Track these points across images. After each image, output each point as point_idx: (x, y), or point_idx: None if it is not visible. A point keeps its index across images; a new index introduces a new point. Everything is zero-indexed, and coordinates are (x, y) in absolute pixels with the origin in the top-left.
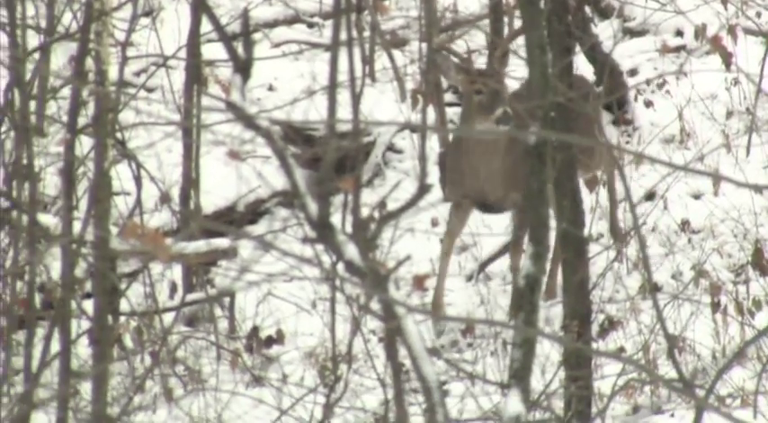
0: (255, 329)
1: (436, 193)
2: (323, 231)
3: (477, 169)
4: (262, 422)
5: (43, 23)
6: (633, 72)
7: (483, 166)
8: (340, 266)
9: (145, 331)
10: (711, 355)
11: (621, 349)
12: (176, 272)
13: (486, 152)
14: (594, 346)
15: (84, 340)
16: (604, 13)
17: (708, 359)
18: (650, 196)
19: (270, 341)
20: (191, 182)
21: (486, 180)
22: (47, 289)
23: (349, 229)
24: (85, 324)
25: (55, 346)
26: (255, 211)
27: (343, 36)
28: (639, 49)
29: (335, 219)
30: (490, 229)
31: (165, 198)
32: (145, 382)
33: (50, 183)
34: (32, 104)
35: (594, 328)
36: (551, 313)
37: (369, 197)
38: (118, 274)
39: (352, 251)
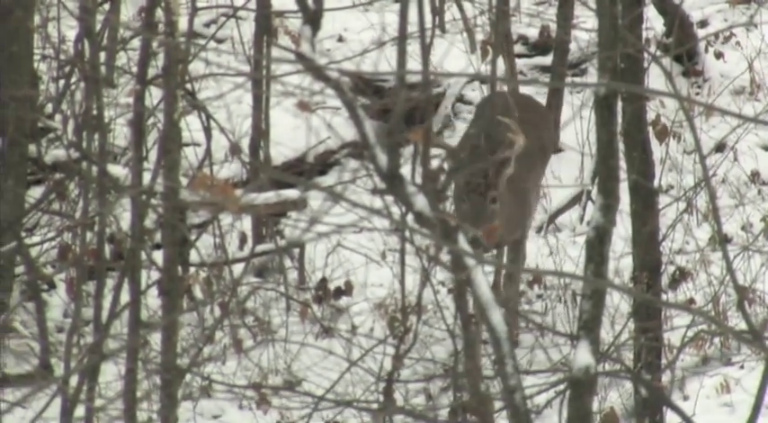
0: (325, 281)
1: None
2: (392, 182)
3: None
4: (331, 373)
5: None
6: (703, 23)
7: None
8: (409, 218)
9: (214, 282)
10: None
11: (691, 301)
12: (246, 223)
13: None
14: (664, 297)
15: (154, 291)
16: None
17: None
18: (720, 148)
19: (339, 292)
20: (260, 133)
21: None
22: (116, 240)
23: (419, 180)
24: (155, 275)
25: (124, 297)
26: (325, 163)
27: None
28: (709, 0)
29: (405, 170)
30: (560, 181)
31: (234, 149)
32: (214, 332)
33: (120, 134)
34: (102, 55)
35: (664, 280)
36: (621, 265)
37: (439, 149)
38: (187, 225)
39: (421, 202)
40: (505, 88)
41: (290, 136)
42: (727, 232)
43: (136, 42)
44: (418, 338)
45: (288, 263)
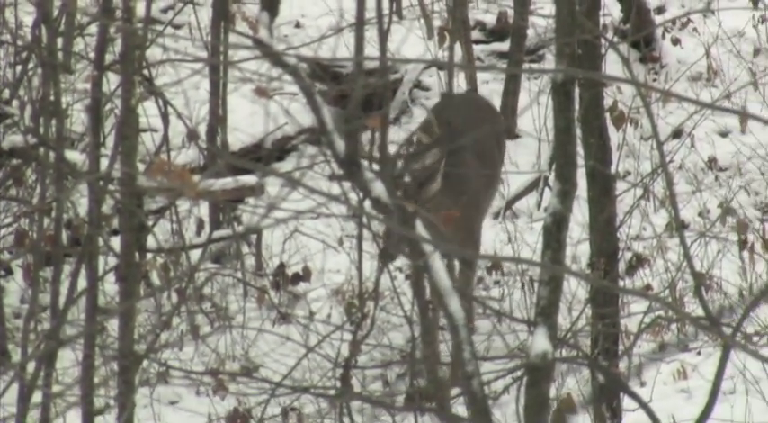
0: (282, 267)
1: None
2: (350, 169)
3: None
4: (288, 359)
5: None
6: (660, 9)
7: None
8: (367, 204)
9: (171, 268)
10: (738, 293)
11: (648, 287)
12: (203, 209)
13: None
14: (621, 283)
15: (111, 277)
16: None
17: (735, 297)
18: (677, 134)
19: (296, 278)
20: (218, 119)
21: None
22: (74, 226)
23: (376, 166)
24: (112, 261)
25: (82, 283)
26: (283, 149)
27: None
28: None
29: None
30: (517, 167)
31: (192, 135)
32: (171, 318)
33: (77, 120)
34: (59, 41)
35: (621, 266)
36: (578, 251)
37: (396, 135)
38: (145, 211)
39: (379, 188)
40: (462, 76)
41: (247, 122)
42: (684, 218)
43: (93, 28)
44: (375, 324)
45: (245, 249)
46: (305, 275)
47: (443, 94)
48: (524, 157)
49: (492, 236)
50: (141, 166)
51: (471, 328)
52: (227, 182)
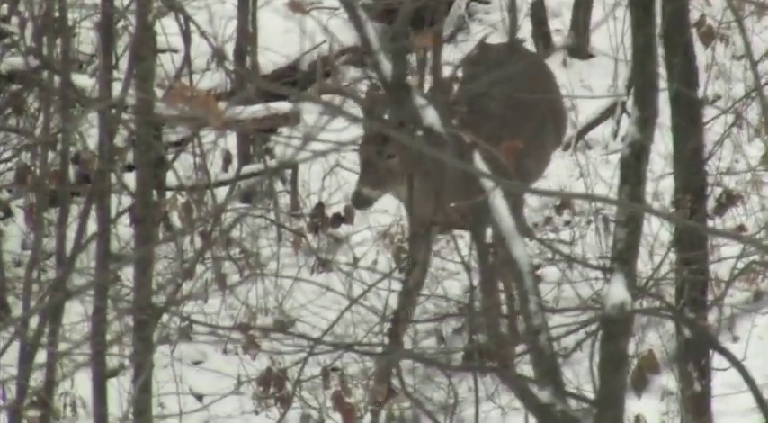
0: (321, 206)
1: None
2: (398, 94)
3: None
4: (329, 313)
5: None
6: None
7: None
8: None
9: (195, 208)
10: None
11: (741, 228)
12: (231, 140)
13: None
14: (710, 224)
15: (126, 219)
16: None
17: None
18: None
19: (338, 220)
20: (247, 37)
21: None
22: (82, 160)
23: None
24: (127, 200)
25: (92, 226)
26: (321, 71)
27: None
28: None
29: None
30: (590, 91)
31: (217, 56)
32: (195, 266)
33: (86, 39)
34: None
35: (710, 204)
36: (661, 187)
37: (451, 55)
38: (163, 144)
39: (431, 116)
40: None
41: (280, 41)
42: None
43: None
44: (428, 272)
45: (279, 186)
46: (347, 216)
47: (481, 46)
48: (598, 79)
49: (562, 170)
50: (159, 92)
51: (538, 276)
52: (258, 109)
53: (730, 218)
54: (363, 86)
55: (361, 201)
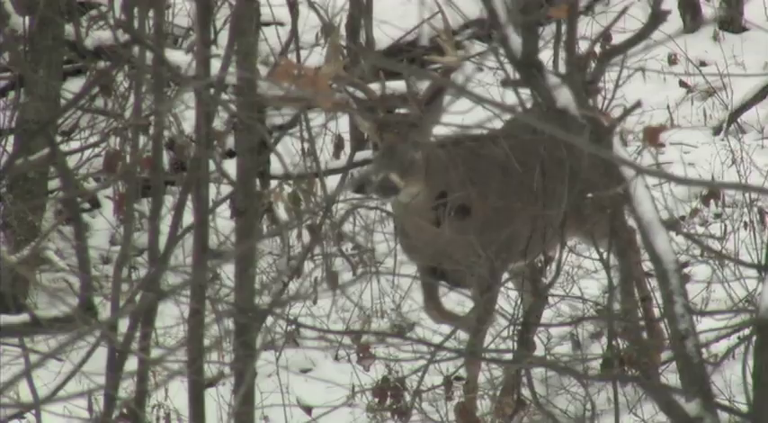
0: (444, 195)
1: (674, 22)
2: (528, 71)
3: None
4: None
5: None
6: None
7: (416, 235)
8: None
9: (302, 199)
10: None
11: None
12: (342, 124)
13: (416, 223)
14: None
15: (225, 210)
16: None
17: None
18: None
19: (462, 211)
20: (360, 9)
21: (426, 249)
22: (177, 145)
23: (563, 68)
24: (226, 190)
25: (188, 219)
26: (442, 47)
27: None
28: None
29: (544, 55)
30: (743, 69)
31: (327, 29)
32: (303, 264)
33: (181, 11)
34: None
35: None
36: None
37: (586, 28)
38: (267, 127)
39: (565, 96)
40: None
41: (397, 12)
42: None
43: None
44: (563, 270)
45: None
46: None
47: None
48: (752, 55)
49: (711, 156)
50: (262, 70)
51: (685, 275)
52: (373, 88)
53: None
54: (490, 63)
55: (388, 188)
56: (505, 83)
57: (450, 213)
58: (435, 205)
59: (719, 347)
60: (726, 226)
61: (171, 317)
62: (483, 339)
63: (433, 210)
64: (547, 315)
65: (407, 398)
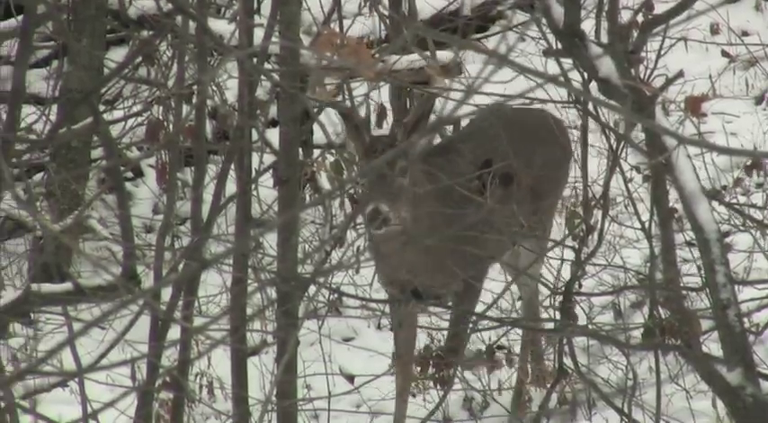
0: (488, 163)
1: None
2: (571, 41)
3: (389, 258)
4: (494, 284)
5: None
6: None
7: (394, 255)
8: (593, 86)
9: (345, 168)
10: None
11: None
12: (384, 93)
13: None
14: None
15: (268, 179)
16: None
17: None
18: None
19: (505, 179)
20: None
21: (401, 269)
22: (220, 115)
23: (605, 37)
24: (269, 159)
25: (230, 188)
26: (485, 16)
27: None
28: None
29: (586, 25)
30: None
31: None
32: (345, 233)
33: None
34: None
35: None
36: None
37: None
38: (310, 96)
39: (607, 66)
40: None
41: None
42: None
43: None
44: (604, 239)
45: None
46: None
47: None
48: None
49: (753, 125)
50: (305, 39)
51: (727, 244)
52: (415, 59)
53: None
54: (533, 33)
55: (378, 219)
56: (548, 53)
57: (494, 182)
58: (479, 174)
59: (761, 317)
60: None
61: (214, 286)
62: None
63: (476, 179)
64: (589, 284)
65: (450, 367)
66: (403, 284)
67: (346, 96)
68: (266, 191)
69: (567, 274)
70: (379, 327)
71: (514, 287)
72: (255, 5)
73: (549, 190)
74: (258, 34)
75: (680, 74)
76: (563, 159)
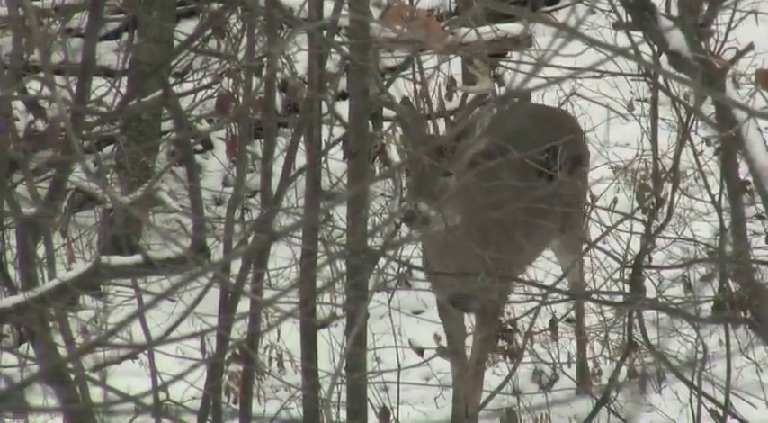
0: (554, 151)
1: None
2: (641, 14)
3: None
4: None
5: None
6: None
7: (439, 260)
8: (663, 59)
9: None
10: None
11: None
12: (454, 66)
13: (440, 249)
14: None
15: (338, 152)
16: None
17: None
18: None
19: (576, 162)
20: None
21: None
22: (290, 87)
23: (675, 10)
24: (339, 131)
25: (300, 160)
26: None
27: None
28: None
29: None
30: None
31: None
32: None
33: None
34: None
35: None
36: None
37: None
38: (379, 69)
39: (678, 39)
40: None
41: None
42: None
43: None
44: (674, 212)
45: None
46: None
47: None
48: None
49: None
50: (375, 12)
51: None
52: (485, 31)
53: None
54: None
55: (416, 218)
56: (618, 25)
57: (563, 165)
58: (546, 159)
59: None
60: None
61: (283, 258)
62: (485, 357)
63: (542, 163)
64: (658, 257)
65: (519, 340)
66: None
67: (416, 69)
68: (336, 163)
69: (636, 247)
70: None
71: (585, 260)
72: None
73: (581, 188)
74: (328, 7)
75: (750, 47)
76: (585, 157)
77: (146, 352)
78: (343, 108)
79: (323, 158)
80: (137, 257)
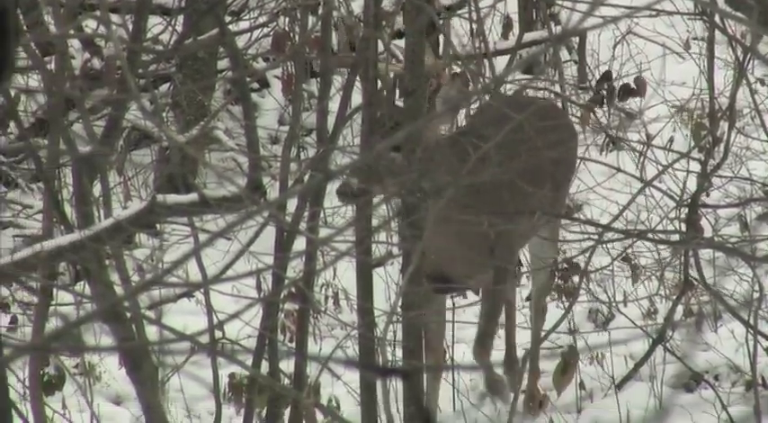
0: (610, 77)
1: None
2: None
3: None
4: (619, 196)
5: None
6: None
7: (436, 240)
8: None
9: (470, 80)
10: None
11: None
12: (511, 4)
13: (439, 229)
14: None
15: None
16: None
17: None
18: None
19: (628, 92)
20: None
21: (439, 255)
22: (346, 25)
23: None
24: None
25: (356, 99)
26: None
27: None
28: None
29: None
30: None
31: None
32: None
33: None
34: None
35: None
36: None
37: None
38: (435, 7)
39: None
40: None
41: None
42: None
43: None
44: (731, 151)
45: (564, 55)
46: (639, 88)
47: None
48: None
49: None
50: None
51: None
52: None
53: None
54: None
55: (345, 193)
56: None
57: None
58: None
59: None
60: None
61: None
62: (494, 331)
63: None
64: (715, 196)
65: (575, 278)
66: (433, 272)
67: (472, 8)
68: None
69: (693, 185)
70: None
71: (641, 199)
72: None
73: (565, 178)
74: None
75: None
76: (573, 149)
77: (201, 290)
78: (399, 46)
79: (378, 97)
80: (192, 196)
